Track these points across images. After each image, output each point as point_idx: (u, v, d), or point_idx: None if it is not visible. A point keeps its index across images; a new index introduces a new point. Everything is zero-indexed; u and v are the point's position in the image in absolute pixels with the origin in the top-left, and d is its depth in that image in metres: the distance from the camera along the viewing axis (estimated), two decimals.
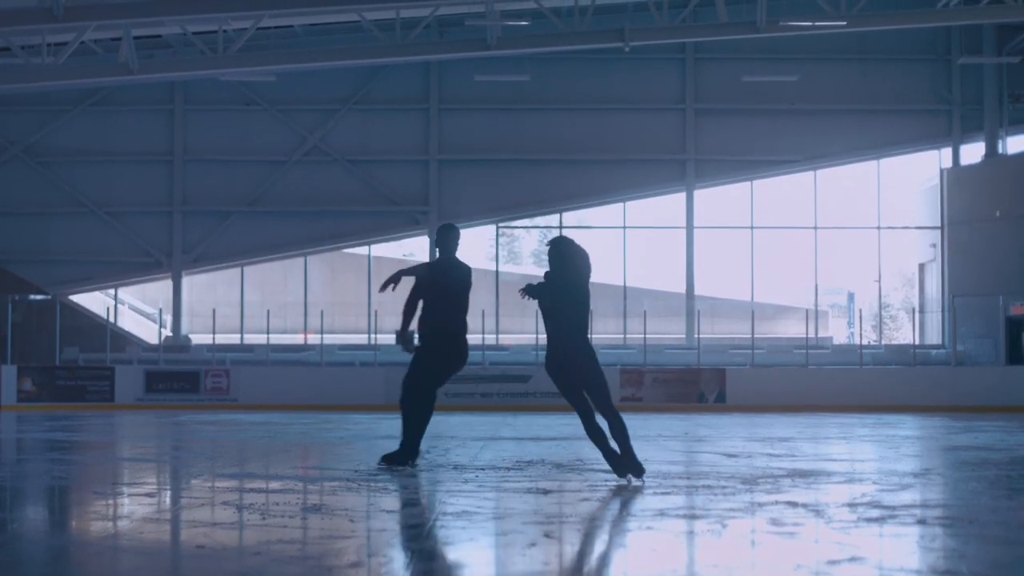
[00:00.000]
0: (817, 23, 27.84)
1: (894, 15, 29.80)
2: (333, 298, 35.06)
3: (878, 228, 34.43)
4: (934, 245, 34.72)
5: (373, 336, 32.34)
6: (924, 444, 17.00)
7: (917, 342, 33.07)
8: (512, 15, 29.68)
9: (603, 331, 32.12)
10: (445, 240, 12.22)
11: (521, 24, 29.74)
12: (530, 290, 10.55)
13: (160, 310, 34.60)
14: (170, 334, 34.43)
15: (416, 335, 12.05)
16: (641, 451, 14.69)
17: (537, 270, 37.24)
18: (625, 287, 34.05)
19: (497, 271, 34.91)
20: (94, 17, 26.05)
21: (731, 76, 33.77)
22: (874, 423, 22.10)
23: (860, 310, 34.28)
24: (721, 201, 34.95)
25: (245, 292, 34.82)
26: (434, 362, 11.99)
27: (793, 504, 9.07)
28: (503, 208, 34.45)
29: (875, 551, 7.28)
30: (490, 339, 32.75)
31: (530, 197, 34.28)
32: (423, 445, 12.67)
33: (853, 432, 19.32)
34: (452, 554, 7.22)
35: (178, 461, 12.50)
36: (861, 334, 33.96)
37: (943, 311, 33.84)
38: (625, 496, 9.71)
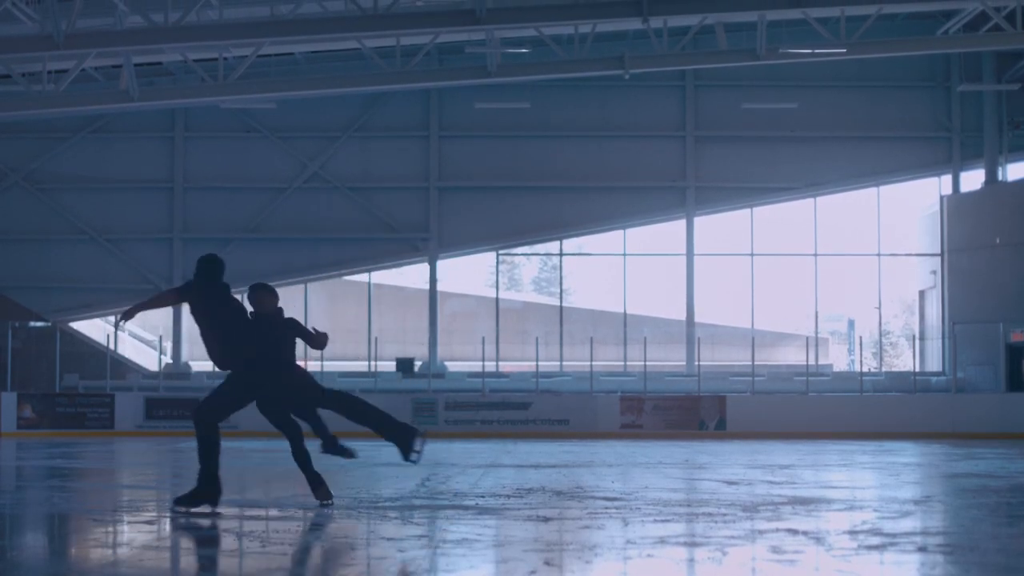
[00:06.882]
0: (817, 51, 27.88)
1: (894, 43, 29.88)
2: (333, 325, 34.92)
3: (878, 255, 34.43)
4: (934, 272, 34.71)
5: (373, 363, 32.30)
6: (924, 471, 16.97)
7: (917, 369, 33.01)
8: (512, 43, 29.71)
9: (603, 358, 32.12)
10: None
11: (521, 52, 29.76)
12: None
13: (160, 337, 34.56)
14: (170, 361, 34.40)
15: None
16: (642, 478, 14.70)
17: (538, 297, 37.27)
18: (625, 314, 33.97)
19: (497, 298, 34.87)
20: (95, 45, 26.08)
21: (731, 103, 33.82)
22: (874, 450, 22.06)
23: (860, 337, 34.26)
24: (721, 228, 34.94)
25: None
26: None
27: (794, 532, 9.05)
28: (503, 235, 34.42)
29: None
30: (490, 366, 32.71)
31: (530, 224, 34.24)
32: (423, 472, 12.60)
33: (853, 459, 19.29)
34: None
35: (178, 488, 12.48)
36: (861, 361, 33.91)
37: (943, 338, 33.80)
38: (626, 524, 9.69)
